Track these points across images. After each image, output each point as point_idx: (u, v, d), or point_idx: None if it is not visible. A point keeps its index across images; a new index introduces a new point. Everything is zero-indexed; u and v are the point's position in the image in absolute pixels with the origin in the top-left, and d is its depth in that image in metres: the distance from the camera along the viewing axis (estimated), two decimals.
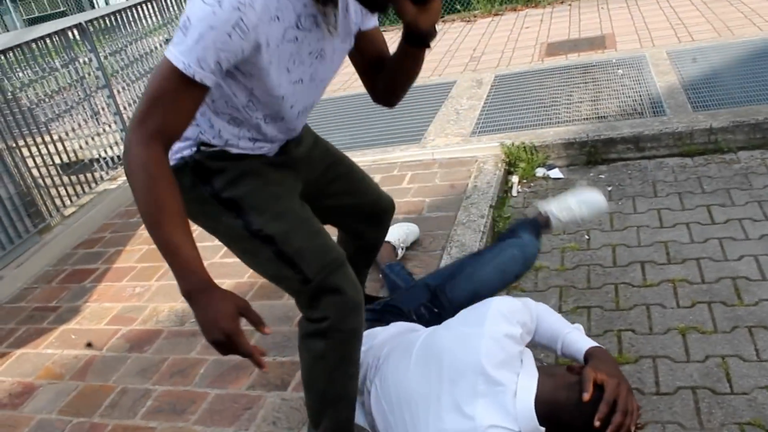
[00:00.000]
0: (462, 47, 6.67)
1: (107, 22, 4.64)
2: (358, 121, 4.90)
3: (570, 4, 7.60)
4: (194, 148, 1.53)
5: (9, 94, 3.90)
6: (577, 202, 2.35)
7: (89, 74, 4.52)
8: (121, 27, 4.77)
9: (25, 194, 3.87)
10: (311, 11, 1.36)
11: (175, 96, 1.27)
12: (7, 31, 23.75)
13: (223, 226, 1.59)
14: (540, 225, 2.31)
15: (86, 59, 4.49)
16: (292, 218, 1.56)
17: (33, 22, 23.38)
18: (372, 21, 1.59)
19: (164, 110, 1.27)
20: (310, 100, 1.54)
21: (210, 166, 1.54)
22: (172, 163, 1.51)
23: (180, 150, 1.54)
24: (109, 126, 4.66)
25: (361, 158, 4.03)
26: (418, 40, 1.44)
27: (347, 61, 1.66)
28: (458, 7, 8.56)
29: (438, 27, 7.70)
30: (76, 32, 4.43)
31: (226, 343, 1.26)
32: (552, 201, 2.40)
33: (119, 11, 4.74)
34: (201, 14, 1.21)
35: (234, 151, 1.55)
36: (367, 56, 1.62)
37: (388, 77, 1.60)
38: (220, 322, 1.24)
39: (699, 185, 3.28)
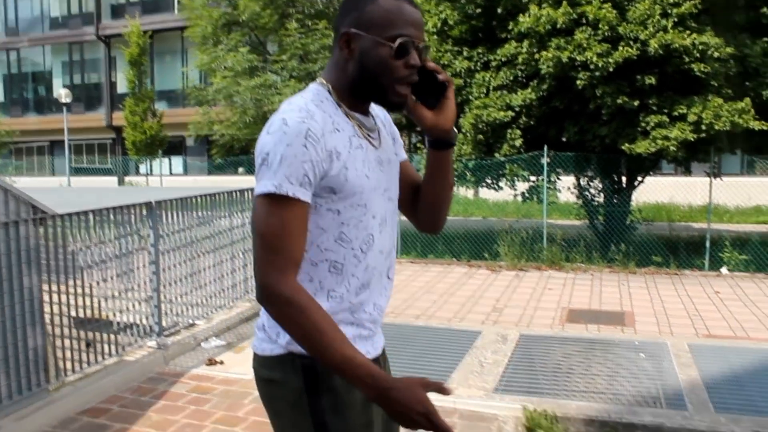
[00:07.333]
0: (486, 295, 6.96)
1: (175, 204, 4.98)
2: None
3: (592, 274, 8.00)
4: None
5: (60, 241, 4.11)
6: None
7: (143, 248, 4.75)
8: (186, 211, 5.10)
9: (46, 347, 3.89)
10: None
11: (281, 224, 1.35)
12: (54, 174, 25.07)
13: None
14: None
15: (146, 234, 4.75)
16: None
17: (78, 171, 24.72)
18: (402, 153, 1.68)
19: (280, 243, 1.35)
20: (382, 210, 1.55)
21: (323, 376, 1.46)
22: (275, 352, 1.48)
23: (291, 341, 1.44)
24: (145, 301, 4.79)
25: None
26: (442, 143, 1.56)
27: None
28: (486, 255, 9.03)
29: (463, 271, 8.18)
30: (143, 209, 4.74)
31: (426, 423, 1.33)
32: None
33: (189, 198, 5.10)
34: (274, 140, 1.36)
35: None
36: (404, 187, 1.67)
37: (426, 197, 1.66)
38: (417, 407, 1.32)
39: None
